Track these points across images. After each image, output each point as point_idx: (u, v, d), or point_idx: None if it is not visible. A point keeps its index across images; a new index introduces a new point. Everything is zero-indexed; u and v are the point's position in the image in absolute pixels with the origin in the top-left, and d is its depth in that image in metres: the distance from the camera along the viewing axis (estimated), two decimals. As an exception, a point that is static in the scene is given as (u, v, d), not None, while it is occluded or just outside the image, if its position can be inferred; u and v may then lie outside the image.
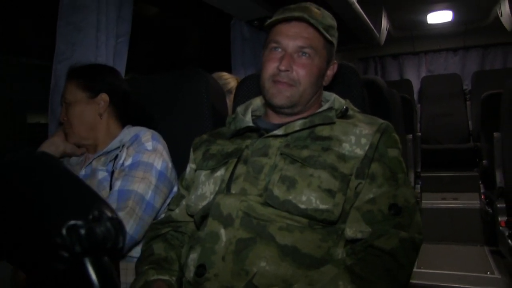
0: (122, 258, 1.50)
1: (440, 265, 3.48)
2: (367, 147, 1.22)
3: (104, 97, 1.65)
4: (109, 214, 0.55)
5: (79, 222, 0.52)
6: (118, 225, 0.55)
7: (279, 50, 1.32)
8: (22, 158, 0.59)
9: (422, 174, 4.52)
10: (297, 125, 1.27)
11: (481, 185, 3.88)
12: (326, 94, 1.43)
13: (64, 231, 0.51)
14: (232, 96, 2.17)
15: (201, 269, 1.14)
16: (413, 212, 1.18)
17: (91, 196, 0.57)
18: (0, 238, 0.55)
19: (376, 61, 6.78)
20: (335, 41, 1.37)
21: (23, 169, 0.58)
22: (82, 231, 0.52)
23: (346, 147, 1.22)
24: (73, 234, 0.51)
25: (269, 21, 1.34)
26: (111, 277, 0.54)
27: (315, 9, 1.33)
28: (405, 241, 1.12)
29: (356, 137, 1.24)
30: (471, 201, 4.29)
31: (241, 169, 1.27)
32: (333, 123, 1.28)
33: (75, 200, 0.56)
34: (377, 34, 4.73)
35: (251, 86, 1.73)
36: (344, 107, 1.34)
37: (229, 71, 3.10)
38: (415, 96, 6.21)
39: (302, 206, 1.15)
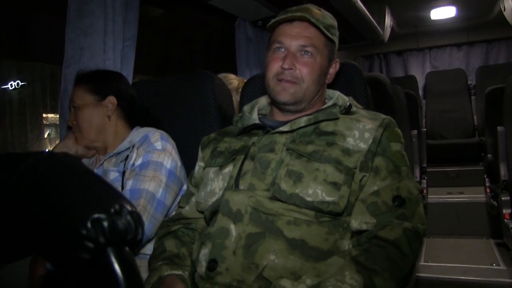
0: (135, 255, 1.53)
1: (447, 258, 3.50)
2: (370, 141, 1.25)
3: (112, 99, 1.69)
4: (129, 208, 0.59)
5: (102, 215, 0.56)
6: (137, 218, 0.59)
7: (282, 50, 1.35)
8: (46, 159, 0.63)
9: (427, 169, 4.53)
10: (302, 121, 1.31)
11: (486, 179, 3.89)
12: (330, 91, 1.47)
13: (89, 224, 0.55)
14: (234, 93, 2.20)
15: (212, 263, 1.18)
16: (416, 203, 1.22)
17: (112, 192, 0.61)
18: (30, 234, 0.60)
19: (380, 58, 6.80)
20: (336, 40, 1.40)
21: (48, 169, 0.62)
22: (105, 224, 0.56)
23: (350, 142, 1.26)
24: (97, 226, 0.56)
25: (271, 22, 1.37)
26: (132, 265, 0.58)
27: (315, 9, 1.37)
28: (409, 231, 1.16)
29: (360, 132, 1.27)
30: (476, 195, 4.30)
31: (248, 165, 1.30)
32: (337, 118, 1.31)
33: (97, 196, 0.60)
34: (381, 31, 4.75)
35: (256, 86, 1.76)
36: (348, 103, 1.37)
37: (235, 72, 3.12)
38: (420, 92, 6.22)
39: (309, 199, 1.18)
